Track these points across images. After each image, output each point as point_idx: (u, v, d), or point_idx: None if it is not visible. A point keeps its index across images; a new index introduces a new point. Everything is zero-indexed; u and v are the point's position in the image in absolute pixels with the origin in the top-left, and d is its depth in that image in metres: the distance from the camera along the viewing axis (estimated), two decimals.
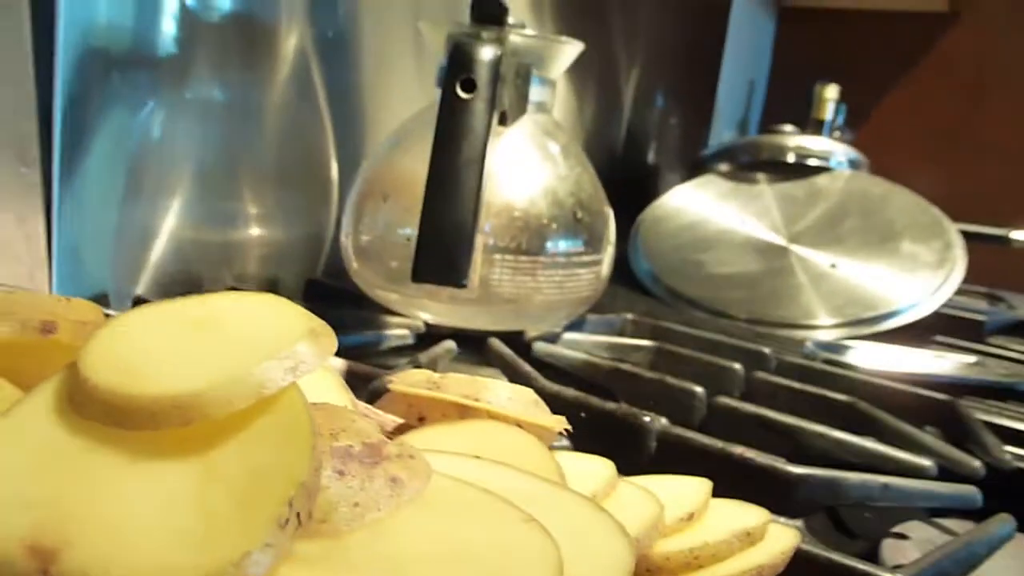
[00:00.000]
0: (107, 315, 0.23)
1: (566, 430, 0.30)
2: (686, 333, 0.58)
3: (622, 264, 0.83)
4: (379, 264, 0.51)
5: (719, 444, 0.36)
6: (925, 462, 0.38)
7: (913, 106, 1.30)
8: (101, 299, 0.50)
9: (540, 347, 0.50)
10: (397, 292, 0.51)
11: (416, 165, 0.42)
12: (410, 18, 0.68)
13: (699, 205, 0.89)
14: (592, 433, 0.38)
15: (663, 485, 0.25)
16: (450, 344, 0.47)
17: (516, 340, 0.51)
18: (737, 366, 0.49)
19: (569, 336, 0.53)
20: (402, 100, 0.68)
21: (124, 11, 0.48)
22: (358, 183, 0.52)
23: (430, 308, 0.50)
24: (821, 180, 0.88)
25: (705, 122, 1.26)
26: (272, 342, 0.20)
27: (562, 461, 0.26)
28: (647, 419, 0.38)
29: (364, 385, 0.39)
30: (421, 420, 0.26)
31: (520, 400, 0.26)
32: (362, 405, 0.29)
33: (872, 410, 0.45)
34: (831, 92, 1.00)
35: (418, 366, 0.43)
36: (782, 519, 0.34)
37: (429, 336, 0.50)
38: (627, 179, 1.08)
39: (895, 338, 0.70)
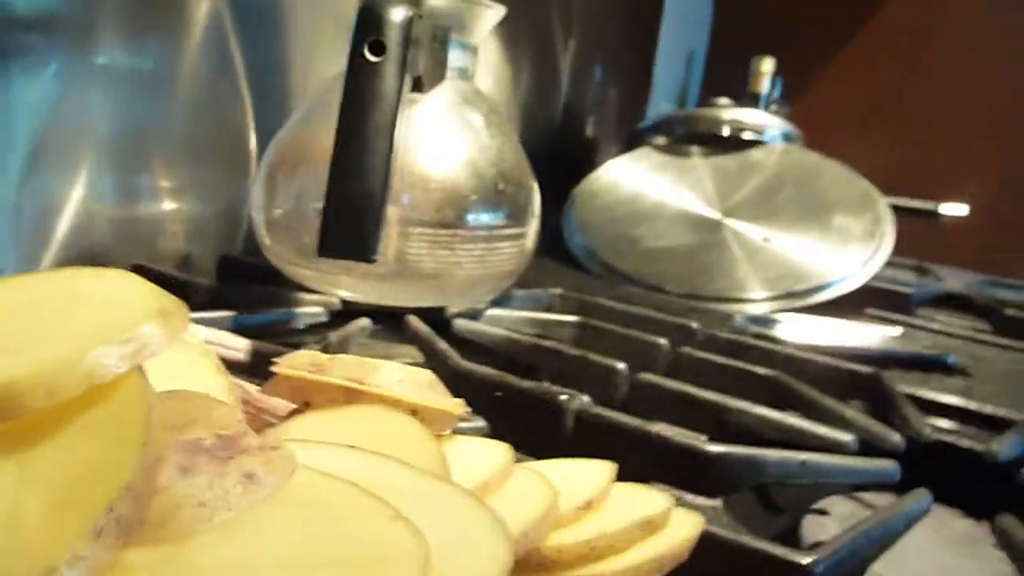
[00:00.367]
0: None
1: (471, 411, 0.28)
2: (613, 308, 0.57)
3: (557, 239, 0.82)
4: (292, 239, 0.48)
5: (637, 422, 0.35)
6: (845, 437, 0.38)
7: (849, 80, 1.31)
8: None
9: (460, 324, 0.48)
10: (311, 268, 0.48)
11: (328, 134, 0.40)
12: None
13: (634, 178, 0.88)
14: (508, 413, 0.37)
15: (565, 470, 0.24)
16: (364, 322, 0.45)
17: (437, 317, 0.49)
18: (663, 341, 0.48)
19: (492, 312, 0.52)
20: (328, 69, 0.65)
21: None
22: (268, 154, 0.50)
23: (346, 284, 0.48)
24: (756, 154, 0.88)
25: (643, 95, 1.25)
26: (113, 324, 0.17)
27: (456, 447, 0.24)
28: (564, 397, 0.37)
29: (267, 366, 0.37)
30: (307, 405, 0.24)
31: (413, 382, 0.24)
32: (253, 389, 0.27)
33: (795, 384, 0.44)
34: (767, 65, 0.99)
35: (327, 346, 0.41)
36: (701, 498, 0.33)
37: (345, 314, 0.48)
38: (565, 153, 1.06)
39: (825, 311, 0.70)
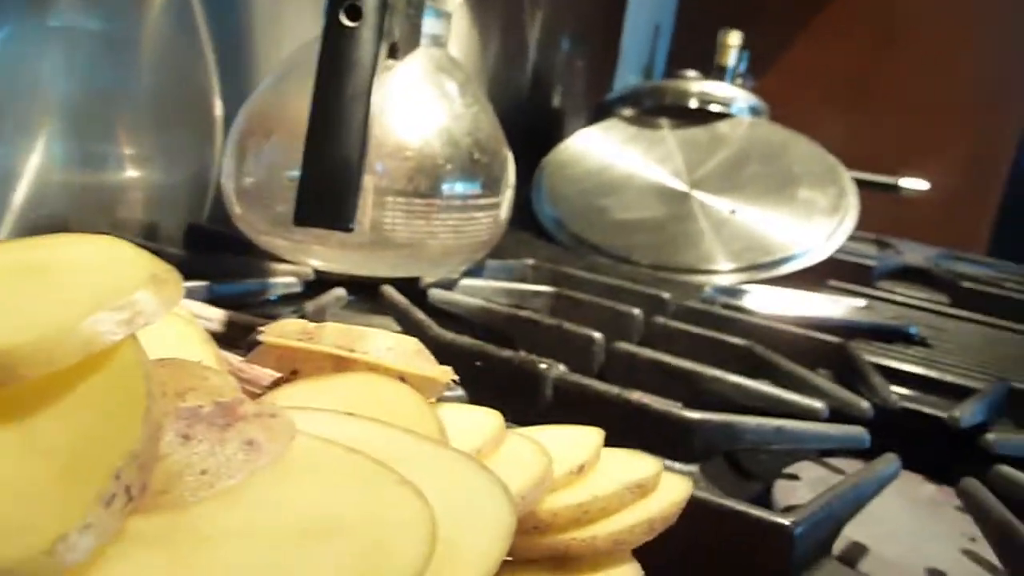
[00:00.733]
0: None
1: (454, 380, 0.28)
2: (586, 279, 0.57)
3: (527, 210, 0.82)
4: (264, 208, 0.47)
5: (616, 390, 0.35)
6: (817, 404, 0.38)
7: (815, 54, 1.32)
8: None
9: (436, 294, 0.48)
10: (284, 238, 0.48)
11: (301, 101, 0.39)
12: None
13: (603, 149, 0.88)
14: (488, 382, 0.37)
15: (554, 436, 0.24)
16: (339, 292, 0.45)
17: (412, 287, 0.49)
18: (636, 311, 0.49)
19: (466, 282, 0.52)
20: (295, 33, 0.64)
21: None
22: (239, 120, 0.49)
23: (320, 254, 0.48)
24: (723, 126, 0.89)
25: (610, 67, 1.25)
26: (107, 290, 0.17)
27: (447, 414, 0.24)
28: (543, 366, 0.37)
29: (244, 337, 0.36)
30: (294, 374, 0.24)
31: (401, 350, 0.24)
32: (235, 359, 0.27)
33: (768, 353, 0.45)
34: (734, 39, 1.00)
35: (302, 315, 0.41)
36: (678, 464, 0.34)
37: (319, 284, 0.48)
38: (532, 124, 1.06)
39: (790, 282, 0.71)
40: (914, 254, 0.96)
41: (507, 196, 0.51)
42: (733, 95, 0.91)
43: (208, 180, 0.62)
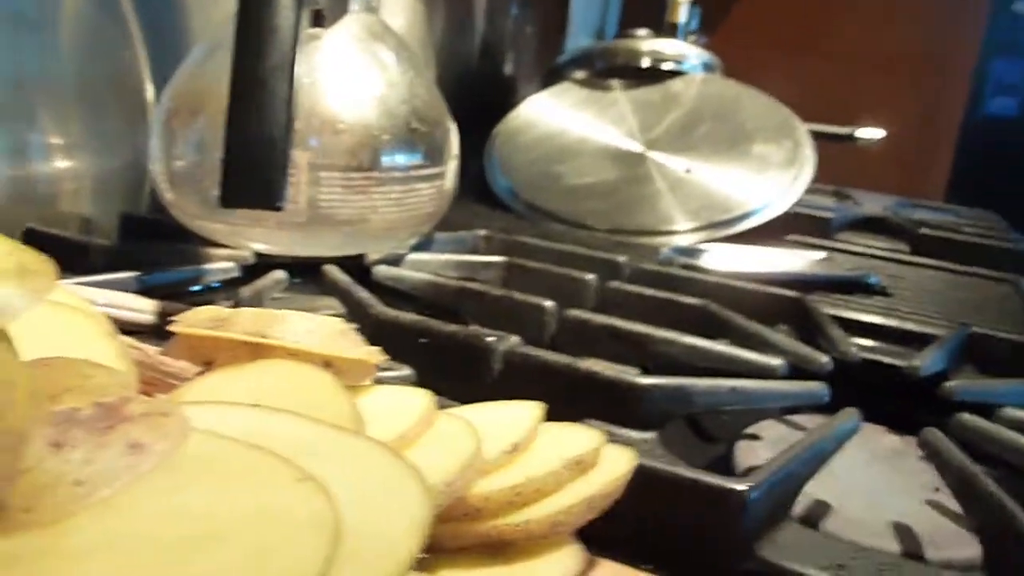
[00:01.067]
0: None
1: (390, 359, 0.27)
2: (540, 247, 0.56)
3: (481, 181, 0.80)
4: (196, 192, 0.45)
5: (566, 360, 0.34)
6: (774, 361, 0.37)
7: (767, 7, 1.31)
8: None
9: (381, 270, 0.46)
10: (221, 222, 0.46)
11: (225, 76, 0.37)
12: None
13: (555, 115, 0.86)
14: (434, 359, 0.35)
15: (491, 414, 0.22)
16: (279, 274, 0.43)
17: (358, 265, 0.47)
18: (590, 277, 0.47)
19: (414, 257, 0.50)
20: (227, 7, 0.61)
21: None
22: (164, 100, 0.46)
23: (259, 236, 0.46)
24: (676, 84, 0.87)
25: (560, 30, 1.23)
26: None
27: (376, 397, 0.23)
28: (491, 339, 0.35)
29: None
30: (208, 365, 0.23)
31: (322, 332, 0.22)
32: (152, 353, 0.25)
33: (724, 312, 0.44)
34: None
35: (238, 302, 0.39)
36: (635, 433, 0.33)
37: (259, 267, 0.46)
38: (484, 93, 1.04)
39: (749, 239, 0.70)
40: (872, 204, 0.96)
41: (451, 166, 0.49)
42: (685, 52, 0.89)
43: (144, 167, 0.59)
